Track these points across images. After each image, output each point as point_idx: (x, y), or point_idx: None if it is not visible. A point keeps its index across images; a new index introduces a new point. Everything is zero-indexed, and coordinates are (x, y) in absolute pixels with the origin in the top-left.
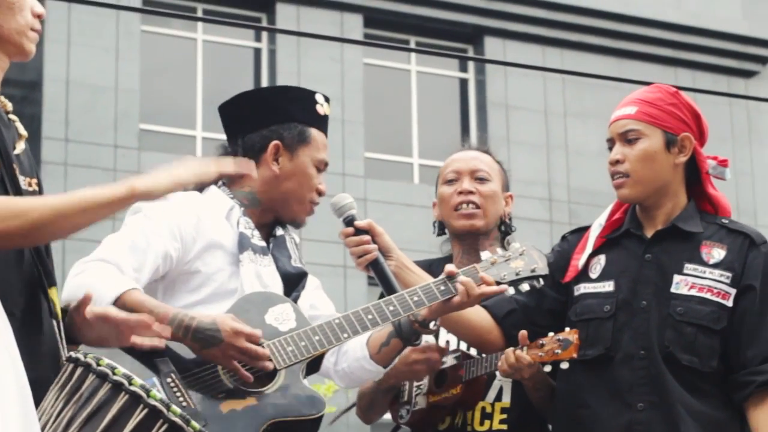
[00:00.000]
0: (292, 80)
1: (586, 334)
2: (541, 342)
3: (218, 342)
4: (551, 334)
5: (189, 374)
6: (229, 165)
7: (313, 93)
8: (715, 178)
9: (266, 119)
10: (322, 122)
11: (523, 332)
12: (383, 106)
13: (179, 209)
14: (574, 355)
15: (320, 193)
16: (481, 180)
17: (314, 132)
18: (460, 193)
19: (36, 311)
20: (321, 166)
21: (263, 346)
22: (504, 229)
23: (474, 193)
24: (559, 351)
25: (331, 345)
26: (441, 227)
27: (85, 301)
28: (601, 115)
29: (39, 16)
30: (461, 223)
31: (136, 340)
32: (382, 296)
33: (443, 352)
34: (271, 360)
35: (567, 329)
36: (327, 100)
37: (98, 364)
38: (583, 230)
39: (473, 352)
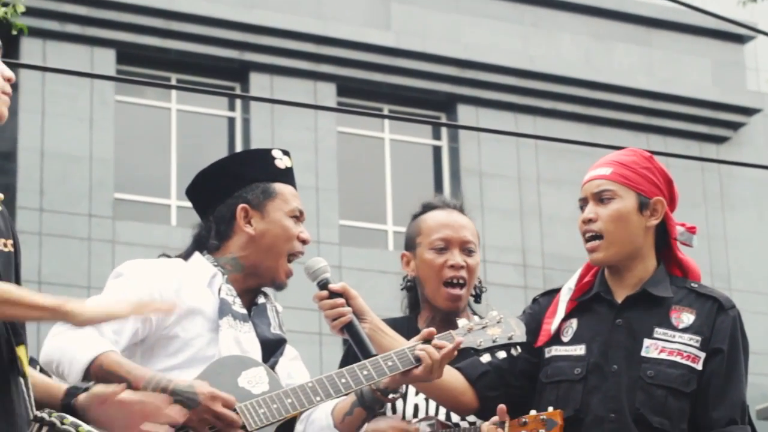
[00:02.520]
0: None
1: (556, 395)
2: (523, 420)
3: (195, 405)
4: (533, 412)
5: None
6: (160, 306)
7: (269, 150)
8: (681, 244)
9: (229, 188)
10: (284, 175)
11: (502, 406)
12: (357, 174)
13: (161, 274)
14: None
15: (304, 242)
16: (470, 252)
17: (278, 186)
18: (452, 266)
19: (5, 370)
20: (297, 214)
21: (236, 410)
22: (475, 293)
23: (464, 267)
24: (543, 431)
25: (304, 408)
26: (412, 284)
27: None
28: (575, 182)
29: (9, 80)
30: (447, 303)
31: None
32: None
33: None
34: (243, 428)
35: (550, 408)
36: (286, 153)
37: (62, 423)
38: (554, 293)
39: (448, 417)
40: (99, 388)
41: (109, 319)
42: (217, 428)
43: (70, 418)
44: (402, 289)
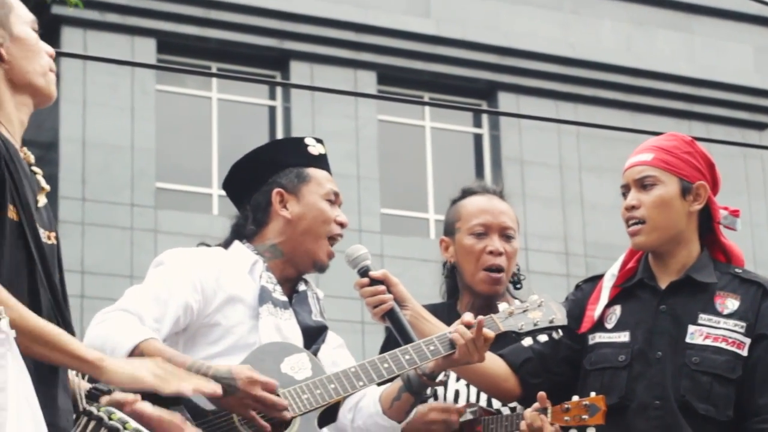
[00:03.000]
0: None
1: (600, 383)
2: (566, 406)
3: (234, 391)
4: (576, 398)
5: (204, 421)
6: (199, 385)
7: (302, 138)
8: (726, 228)
9: (263, 175)
10: (318, 161)
11: (542, 394)
12: (398, 163)
13: (202, 263)
14: (602, 423)
15: (341, 225)
16: (509, 238)
17: (312, 170)
18: (491, 252)
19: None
20: (332, 198)
21: (278, 395)
22: (513, 280)
23: (503, 254)
24: (587, 417)
25: (347, 393)
26: (452, 270)
27: (128, 401)
28: (616, 169)
29: (51, 56)
30: (486, 288)
31: None
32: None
33: (461, 413)
34: (287, 409)
35: (593, 394)
36: (319, 141)
37: (110, 418)
38: (597, 279)
39: (489, 404)
40: (118, 395)
41: (136, 387)
42: (261, 412)
43: (118, 414)
44: (443, 275)
